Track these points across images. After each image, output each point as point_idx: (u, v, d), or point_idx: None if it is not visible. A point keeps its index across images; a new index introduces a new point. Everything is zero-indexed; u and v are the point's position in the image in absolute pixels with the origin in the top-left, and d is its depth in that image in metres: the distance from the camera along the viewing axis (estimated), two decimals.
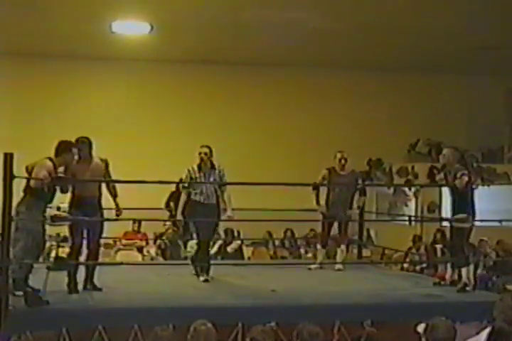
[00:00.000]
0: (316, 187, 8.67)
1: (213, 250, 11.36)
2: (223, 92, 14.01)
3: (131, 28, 11.54)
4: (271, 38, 11.67)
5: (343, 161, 8.66)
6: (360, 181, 9.02)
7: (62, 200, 6.90)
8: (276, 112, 14.20)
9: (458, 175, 7.13)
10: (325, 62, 13.66)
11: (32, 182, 6.27)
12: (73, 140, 6.96)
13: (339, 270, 8.56)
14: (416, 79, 14.38)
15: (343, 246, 8.76)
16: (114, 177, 7.05)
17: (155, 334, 4.47)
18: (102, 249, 8.30)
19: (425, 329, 4.07)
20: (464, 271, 7.18)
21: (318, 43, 12.22)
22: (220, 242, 11.49)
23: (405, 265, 10.46)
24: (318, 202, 8.64)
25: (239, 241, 11.45)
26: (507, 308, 3.82)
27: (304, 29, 11.18)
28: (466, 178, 7.12)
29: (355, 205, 8.88)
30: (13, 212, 5.97)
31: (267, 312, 5.94)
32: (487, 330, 3.79)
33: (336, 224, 8.84)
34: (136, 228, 11.95)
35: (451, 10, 10.33)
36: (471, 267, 7.44)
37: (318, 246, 9.03)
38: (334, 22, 10.98)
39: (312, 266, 8.67)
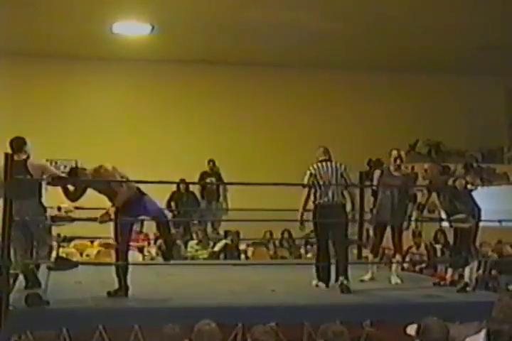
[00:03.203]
0: (374, 194, 8.02)
1: (216, 248, 11.38)
2: (223, 92, 14.02)
3: (132, 29, 11.58)
4: (271, 38, 11.69)
5: (398, 161, 7.69)
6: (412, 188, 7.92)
7: (62, 200, 6.90)
8: (276, 112, 14.21)
9: (451, 182, 7.29)
10: (325, 63, 13.68)
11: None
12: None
13: (397, 284, 7.63)
14: (416, 79, 14.39)
15: (398, 257, 7.78)
16: (116, 177, 6.91)
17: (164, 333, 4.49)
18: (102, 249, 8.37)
19: (417, 331, 4.05)
20: (467, 270, 7.19)
21: (319, 44, 12.23)
22: (223, 241, 11.50)
23: (405, 265, 10.45)
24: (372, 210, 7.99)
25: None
26: (506, 308, 3.82)
27: (304, 29, 11.19)
28: (463, 181, 7.26)
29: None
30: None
31: (267, 312, 5.94)
32: (485, 330, 3.79)
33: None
34: (138, 228, 11.95)
35: (451, 10, 10.35)
36: (474, 267, 7.45)
37: (370, 255, 8.03)
38: (334, 22, 11.00)
39: (365, 278, 7.80)
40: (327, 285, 7.12)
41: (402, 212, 7.68)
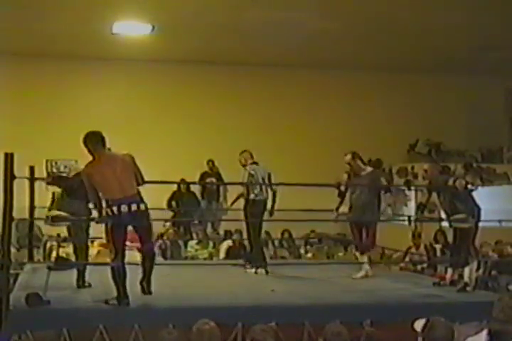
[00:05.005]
0: (340, 194, 8.29)
1: (222, 255, 11.27)
2: (223, 92, 14.02)
3: (132, 29, 11.57)
4: (271, 39, 11.68)
5: (347, 165, 8.09)
6: (382, 180, 8.35)
7: None
8: (276, 112, 14.21)
9: (451, 182, 7.30)
10: (325, 63, 13.68)
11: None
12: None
13: (361, 277, 7.96)
14: (416, 79, 14.39)
15: (367, 254, 8.08)
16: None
17: (162, 338, 4.47)
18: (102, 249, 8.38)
19: (423, 328, 4.05)
20: (466, 270, 7.20)
21: (319, 44, 12.23)
22: (225, 243, 11.41)
23: (403, 264, 10.46)
24: (337, 209, 8.25)
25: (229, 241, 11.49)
26: (506, 308, 3.82)
27: (304, 29, 11.19)
28: (463, 181, 7.29)
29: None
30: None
31: (267, 312, 5.94)
32: (486, 330, 3.79)
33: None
34: None
35: (451, 10, 10.34)
36: (474, 267, 7.45)
37: (357, 253, 8.33)
38: (334, 22, 10.99)
39: (358, 275, 8.04)
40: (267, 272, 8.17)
41: (372, 209, 8.03)
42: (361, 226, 8.09)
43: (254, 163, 8.36)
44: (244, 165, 8.33)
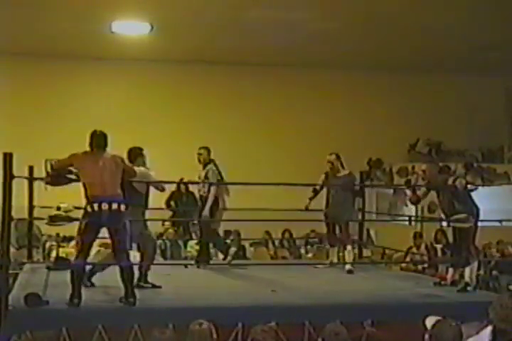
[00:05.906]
0: (314, 190, 8.60)
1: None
2: (223, 92, 14.01)
3: (131, 28, 11.55)
4: (271, 38, 11.68)
5: (329, 164, 8.52)
6: (356, 182, 8.97)
7: (62, 200, 6.89)
8: (276, 112, 14.20)
9: (450, 181, 7.32)
10: (325, 63, 13.67)
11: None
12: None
13: (350, 272, 8.32)
14: (416, 79, 14.38)
15: (349, 247, 8.46)
16: None
17: (154, 337, 4.46)
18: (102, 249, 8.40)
19: (432, 327, 4.03)
20: (467, 270, 7.19)
21: (319, 43, 12.22)
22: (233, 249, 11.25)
23: (403, 264, 10.45)
24: (310, 199, 8.55)
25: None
26: (505, 307, 3.79)
27: (304, 29, 11.18)
28: (463, 180, 7.30)
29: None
30: None
31: (267, 312, 5.93)
32: (488, 329, 3.76)
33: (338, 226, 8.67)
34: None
35: (451, 10, 10.34)
36: (475, 267, 7.44)
37: (327, 246, 9.08)
38: (334, 22, 10.99)
39: (320, 266, 8.64)
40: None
41: (347, 208, 8.50)
42: (333, 222, 8.59)
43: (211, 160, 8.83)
44: (204, 162, 8.89)
